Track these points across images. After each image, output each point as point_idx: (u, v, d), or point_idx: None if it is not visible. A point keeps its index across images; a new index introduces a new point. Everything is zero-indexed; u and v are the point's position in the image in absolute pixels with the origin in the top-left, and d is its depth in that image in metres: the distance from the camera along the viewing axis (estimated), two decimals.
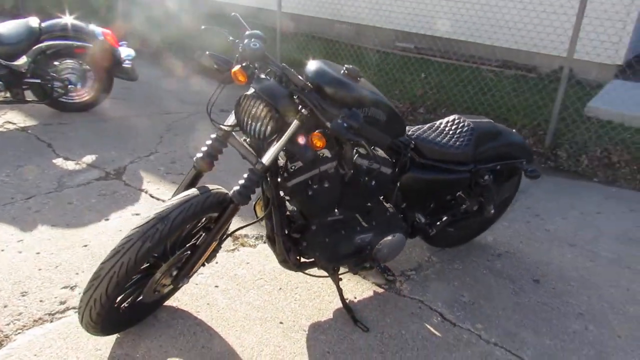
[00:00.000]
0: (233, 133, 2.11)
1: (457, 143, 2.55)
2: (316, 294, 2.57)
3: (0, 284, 2.44)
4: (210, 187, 2.01)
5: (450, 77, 5.97)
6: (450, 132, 2.61)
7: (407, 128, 2.48)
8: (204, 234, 2.10)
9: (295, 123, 1.93)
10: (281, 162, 2.10)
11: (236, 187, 2.00)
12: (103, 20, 7.27)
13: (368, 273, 2.73)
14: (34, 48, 4.33)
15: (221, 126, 2.07)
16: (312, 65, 2.08)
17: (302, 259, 2.34)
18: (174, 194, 2.10)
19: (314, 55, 6.62)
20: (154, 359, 2.08)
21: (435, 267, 2.90)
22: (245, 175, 2.00)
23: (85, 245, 2.81)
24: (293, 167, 2.08)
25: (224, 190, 2.05)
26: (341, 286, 2.47)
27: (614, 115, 5.03)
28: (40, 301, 2.36)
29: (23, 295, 2.38)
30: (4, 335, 2.14)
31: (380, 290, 2.65)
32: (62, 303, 2.36)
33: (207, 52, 2.13)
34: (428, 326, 2.42)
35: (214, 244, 2.13)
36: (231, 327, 2.30)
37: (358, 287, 2.65)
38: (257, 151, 2.06)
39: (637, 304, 2.68)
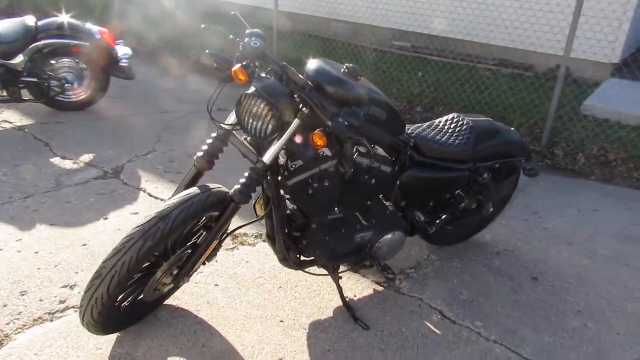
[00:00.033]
0: (234, 132, 2.11)
1: (457, 142, 2.56)
2: (316, 293, 2.57)
3: None
4: (211, 186, 2.01)
5: (447, 75, 5.99)
6: (450, 131, 2.61)
7: (407, 127, 2.49)
8: (204, 233, 2.10)
9: (296, 122, 1.93)
10: (282, 161, 2.11)
11: (237, 186, 2.00)
12: (99, 19, 7.24)
13: (368, 271, 2.74)
14: (30, 47, 4.31)
15: (222, 125, 2.07)
16: (313, 64, 2.08)
17: (302, 258, 2.34)
18: (175, 193, 2.10)
19: (311, 54, 6.62)
20: (155, 358, 2.08)
21: (435, 266, 2.91)
22: (246, 174, 2.00)
23: (85, 245, 2.80)
24: (294, 166, 2.09)
25: (224, 189, 2.05)
26: (341, 285, 2.48)
27: (610, 113, 5.06)
28: (40, 300, 2.35)
29: (23, 295, 2.38)
30: (4, 334, 2.13)
31: (380, 288, 2.66)
32: (62, 302, 2.35)
33: (207, 51, 2.13)
34: (428, 324, 2.42)
35: (215, 243, 2.13)
36: (232, 325, 2.30)
37: (358, 286, 2.66)
38: (258, 150, 2.06)
39: (635, 301, 2.70)
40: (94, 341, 2.13)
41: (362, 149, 2.21)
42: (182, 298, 2.44)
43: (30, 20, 4.37)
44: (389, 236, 2.41)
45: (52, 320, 2.24)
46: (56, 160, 3.82)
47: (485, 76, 5.84)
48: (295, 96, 1.94)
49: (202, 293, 2.50)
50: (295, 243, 2.27)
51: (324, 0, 7.83)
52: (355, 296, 2.58)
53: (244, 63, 1.99)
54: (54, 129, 4.40)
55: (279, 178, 2.09)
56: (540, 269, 2.93)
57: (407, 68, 6.23)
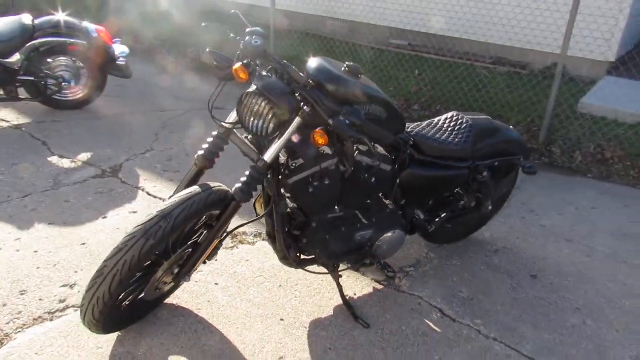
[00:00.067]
0: (234, 130, 2.10)
1: (456, 140, 2.56)
2: (316, 291, 2.58)
3: None
4: (212, 184, 2.01)
5: (444, 74, 5.99)
6: (449, 129, 2.62)
7: (407, 125, 2.49)
8: (205, 232, 2.10)
9: (297, 120, 1.93)
10: (282, 159, 2.10)
11: (238, 185, 2.00)
12: (95, 17, 7.21)
13: (367, 269, 2.74)
14: (27, 45, 4.29)
15: (223, 124, 2.07)
16: (313, 62, 2.08)
17: (303, 256, 2.34)
18: (175, 192, 2.10)
19: (308, 52, 6.62)
20: (156, 357, 2.08)
21: (434, 264, 2.92)
22: (247, 173, 2.00)
23: (84, 244, 2.79)
24: (294, 165, 2.09)
25: (225, 187, 2.05)
26: (341, 283, 2.48)
27: (607, 111, 5.08)
28: (40, 300, 2.34)
29: (22, 294, 2.37)
30: (4, 334, 2.12)
31: (379, 286, 2.66)
32: (61, 301, 2.35)
33: (208, 50, 2.12)
34: (428, 322, 2.43)
35: (216, 242, 2.12)
36: (232, 324, 2.30)
37: (358, 284, 2.66)
38: (259, 148, 2.06)
39: (634, 298, 2.72)
40: (94, 340, 2.12)
41: (362, 148, 2.21)
42: (182, 297, 2.44)
43: (26, 18, 4.35)
44: (389, 234, 2.42)
45: (52, 320, 2.23)
46: (54, 159, 3.80)
47: (482, 74, 5.85)
48: (297, 94, 1.93)
49: (202, 292, 2.50)
50: (296, 241, 2.27)
51: None
52: (355, 294, 2.59)
53: (245, 61, 1.98)
54: (51, 128, 4.39)
55: (280, 176, 2.09)
56: (539, 267, 2.94)
57: (405, 66, 6.23)
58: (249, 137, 2.12)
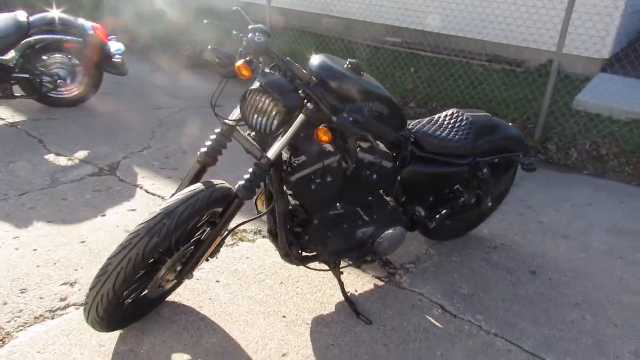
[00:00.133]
0: (237, 128, 2.10)
1: (457, 137, 2.57)
2: (317, 288, 2.58)
3: None
4: (215, 182, 2.01)
5: (440, 71, 6.01)
6: (450, 126, 2.63)
7: (407, 122, 2.50)
8: (208, 229, 2.09)
9: (300, 117, 1.93)
10: (285, 156, 2.10)
11: (241, 182, 2.00)
12: (90, 14, 7.16)
13: (368, 266, 2.75)
14: (22, 42, 4.26)
15: (226, 121, 2.06)
16: (316, 59, 2.08)
17: (304, 253, 2.35)
18: (178, 189, 2.10)
19: (304, 50, 6.61)
20: (159, 355, 2.08)
21: (434, 260, 2.93)
22: (250, 170, 2.00)
23: (83, 242, 2.78)
24: (297, 162, 2.09)
25: (228, 185, 2.05)
26: (342, 280, 2.48)
27: (602, 108, 5.11)
28: (41, 298, 2.33)
29: (22, 293, 2.35)
30: (5, 332, 2.11)
31: (380, 283, 2.67)
32: (62, 300, 2.34)
33: (210, 47, 2.11)
34: (429, 318, 2.44)
35: (219, 239, 2.12)
36: (235, 321, 2.30)
37: (359, 281, 2.67)
38: (262, 146, 2.06)
39: (631, 293, 2.74)
40: (96, 338, 2.12)
41: (364, 145, 2.21)
42: (184, 294, 2.43)
43: (21, 15, 4.31)
44: (390, 231, 2.42)
45: (53, 318, 2.22)
46: (50, 157, 3.78)
47: (478, 72, 5.86)
48: (300, 92, 1.93)
49: (203, 289, 2.49)
50: (297, 239, 2.27)
51: None
52: (357, 291, 2.59)
53: (248, 58, 1.98)
54: (47, 126, 4.36)
55: (282, 174, 2.09)
56: (538, 263, 2.97)
57: (401, 64, 6.24)
58: (251, 135, 2.11)
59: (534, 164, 2.78)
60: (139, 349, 2.09)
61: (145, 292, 2.10)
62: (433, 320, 2.43)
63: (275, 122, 1.90)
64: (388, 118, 2.20)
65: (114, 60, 4.73)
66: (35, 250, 2.67)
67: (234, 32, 2.07)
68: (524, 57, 6.55)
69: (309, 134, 1.98)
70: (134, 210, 3.15)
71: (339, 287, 2.47)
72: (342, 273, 2.49)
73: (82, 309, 2.25)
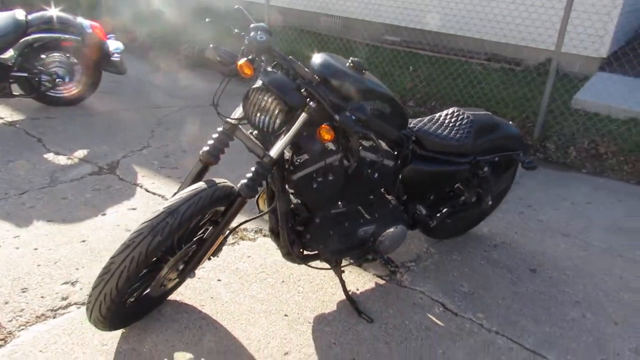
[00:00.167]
0: (239, 126, 2.10)
1: (458, 135, 2.58)
2: (319, 286, 2.58)
3: None
4: (217, 180, 2.01)
5: (439, 70, 6.01)
6: (450, 125, 2.63)
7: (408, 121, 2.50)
8: (210, 228, 2.09)
9: (303, 116, 1.93)
10: (287, 155, 2.10)
11: (243, 181, 2.00)
12: (88, 14, 7.14)
13: (369, 265, 2.75)
14: (20, 41, 4.25)
15: (228, 119, 2.06)
16: (318, 58, 2.08)
17: (306, 252, 2.35)
18: (180, 188, 2.09)
19: (303, 49, 6.61)
20: (161, 354, 2.08)
21: (434, 258, 2.94)
22: (253, 169, 2.00)
23: (84, 241, 2.78)
24: (298, 160, 2.09)
25: (230, 183, 2.05)
26: (343, 278, 2.49)
27: (600, 107, 5.13)
28: (42, 297, 2.33)
29: (23, 292, 2.35)
30: (7, 331, 2.11)
31: (381, 281, 2.68)
32: (64, 299, 2.33)
33: (211, 45, 2.11)
34: (430, 316, 2.45)
35: (221, 238, 2.12)
36: (236, 320, 2.31)
37: (360, 279, 2.67)
38: (264, 144, 2.06)
39: (630, 291, 2.75)
40: (98, 337, 2.12)
41: (365, 143, 2.22)
42: (185, 293, 2.43)
43: (20, 14, 4.30)
44: (391, 230, 2.43)
45: (54, 317, 2.22)
46: (49, 156, 3.77)
47: (477, 70, 5.87)
48: (302, 90, 1.93)
49: (205, 288, 2.49)
50: (299, 237, 2.27)
51: None
52: (358, 289, 2.60)
53: (250, 57, 1.98)
54: (45, 124, 4.35)
55: (284, 172, 2.09)
56: (538, 261, 2.97)
57: (400, 63, 6.25)
58: (254, 133, 2.11)
59: (534, 162, 2.79)
60: (141, 347, 2.09)
61: (147, 290, 2.10)
62: (434, 319, 2.43)
63: (278, 121, 1.91)
64: (390, 116, 2.21)
65: (112, 59, 4.72)
66: (36, 249, 2.67)
67: (236, 30, 2.07)
68: (522, 56, 6.56)
69: (311, 132, 1.98)
70: (134, 209, 3.15)
71: (340, 285, 2.48)
72: (343, 271, 2.49)
73: (83, 307, 2.26)
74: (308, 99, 1.92)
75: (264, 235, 2.98)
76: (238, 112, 2.06)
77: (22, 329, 2.13)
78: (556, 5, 5.78)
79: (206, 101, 5.46)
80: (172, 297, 2.37)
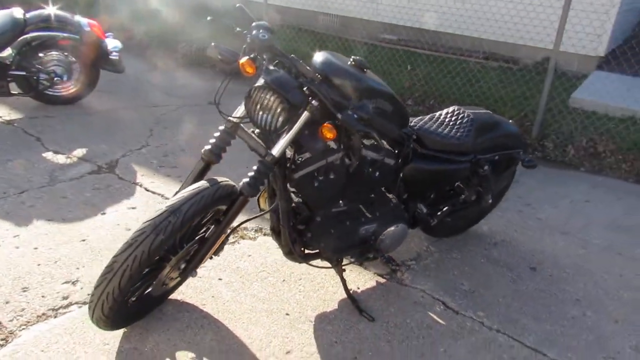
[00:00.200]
0: (241, 125, 2.09)
1: (458, 134, 2.58)
2: (320, 285, 2.58)
3: (0, 280, 2.40)
4: (219, 179, 2.00)
5: (437, 69, 6.02)
6: (451, 123, 2.64)
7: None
8: (212, 227, 2.09)
9: (305, 114, 1.93)
10: (288, 153, 2.10)
11: (245, 179, 2.00)
12: (86, 13, 7.11)
13: (370, 263, 2.76)
14: (18, 39, 4.22)
15: (230, 118, 2.06)
16: (319, 56, 2.08)
17: (307, 251, 2.35)
18: (182, 187, 2.09)
19: (302, 48, 6.60)
20: (163, 353, 2.07)
21: (434, 257, 2.94)
22: (255, 167, 1.99)
23: (84, 240, 2.77)
24: (300, 159, 2.09)
25: (231, 182, 2.04)
26: (344, 277, 2.49)
27: (598, 106, 5.14)
28: (42, 297, 2.32)
29: (24, 291, 2.34)
30: (8, 331, 2.10)
31: (382, 280, 2.68)
32: (64, 298, 2.33)
33: (213, 43, 2.10)
34: (431, 314, 2.45)
35: (223, 237, 2.12)
36: (238, 319, 2.30)
37: (360, 278, 2.68)
38: (266, 143, 2.05)
39: (630, 289, 2.76)
40: (100, 336, 2.11)
41: (366, 142, 2.22)
42: (186, 292, 2.43)
43: (17, 12, 4.27)
44: (392, 228, 2.43)
45: (55, 317, 2.21)
46: (48, 155, 3.76)
47: (475, 69, 5.88)
48: (304, 88, 1.93)
49: (206, 287, 2.49)
50: (300, 236, 2.27)
51: None
52: (359, 288, 2.60)
53: (252, 55, 1.98)
54: (43, 123, 4.33)
55: (286, 171, 2.08)
56: (538, 259, 2.98)
57: (398, 61, 6.25)
58: (255, 132, 2.11)
59: (534, 160, 2.80)
60: (142, 346, 2.09)
61: (149, 289, 2.10)
62: (435, 317, 2.44)
63: (280, 119, 1.90)
64: (391, 115, 2.21)
65: (111, 57, 4.70)
66: (36, 248, 2.66)
67: (238, 28, 2.06)
68: (520, 55, 6.57)
69: (313, 130, 1.98)
70: (133, 208, 3.14)
71: (341, 284, 2.48)
72: (344, 270, 2.49)
73: (84, 307, 2.26)
74: (310, 98, 1.92)
75: (265, 234, 2.97)
76: (240, 110, 2.05)
77: (24, 329, 2.13)
78: (554, 4, 5.79)
79: (204, 100, 5.46)
80: (173, 296, 2.37)
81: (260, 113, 1.92)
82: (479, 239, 3.17)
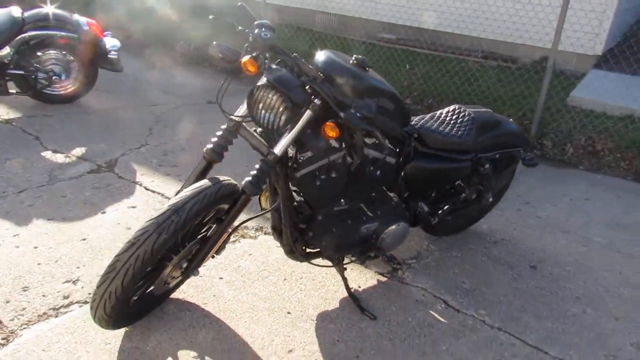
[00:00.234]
0: (243, 123, 2.09)
1: (459, 132, 2.58)
2: (321, 284, 2.58)
3: (0, 279, 2.39)
4: (221, 178, 2.00)
5: (436, 68, 6.02)
6: (452, 122, 2.64)
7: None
8: (214, 226, 2.09)
9: (307, 113, 1.93)
10: (290, 152, 2.10)
11: (248, 178, 1.99)
12: (83, 12, 7.09)
13: (371, 262, 2.76)
14: (17, 38, 4.21)
15: (232, 117, 2.05)
16: (321, 55, 2.08)
17: (308, 250, 2.35)
18: (184, 186, 2.08)
19: (300, 47, 6.60)
20: (165, 352, 2.07)
21: (435, 255, 2.94)
22: (257, 166, 1.99)
23: (84, 239, 2.76)
24: (302, 158, 2.09)
25: (234, 181, 2.04)
26: (345, 275, 2.49)
27: (596, 104, 5.15)
28: (43, 296, 2.31)
29: (25, 290, 2.34)
30: (9, 330, 2.09)
31: (383, 278, 2.68)
32: (65, 297, 2.32)
33: (214, 42, 2.09)
34: (433, 313, 2.45)
35: (225, 236, 2.12)
36: (239, 318, 2.30)
37: (361, 277, 2.68)
38: (268, 142, 2.05)
39: (630, 286, 2.77)
40: (101, 336, 2.11)
41: (368, 140, 2.22)
42: (188, 291, 2.42)
43: (16, 11, 4.26)
44: (393, 227, 2.43)
45: (57, 316, 2.21)
46: (47, 154, 3.75)
47: (474, 68, 5.89)
48: (307, 87, 1.93)
49: (207, 286, 2.49)
50: (301, 235, 2.27)
51: None
52: (360, 287, 2.60)
53: (254, 54, 1.97)
54: (42, 122, 4.32)
55: (287, 170, 2.08)
56: (538, 257, 2.99)
57: (396, 60, 6.25)
58: (257, 130, 2.11)
59: (535, 159, 2.80)
60: (144, 346, 2.09)
61: (151, 288, 2.09)
62: (437, 315, 2.44)
63: (283, 118, 1.90)
64: (393, 114, 2.21)
65: (109, 56, 4.69)
66: (36, 247, 2.65)
67: (240, 27, 2.06)
68: (518, 54, 6.58)
69: (315, 129, 1.98)
70: (133, 207, 3.13)
71: (342, 283, 2.48)
72: (345, 269, 2.49)
73: (85, 306, 2.26)
74: (313, 96, 1.92)
75: (265, 233, 2.97)
76: (242, 109, 2.05)
77: (25, 328, 2.12)
78: (553, 3, 5.80)
79: (203, 98, 5.45)
80: (174, 295, 2.37)
81: (263, 112, 1.92)
82: (479, 237, 3.17)
